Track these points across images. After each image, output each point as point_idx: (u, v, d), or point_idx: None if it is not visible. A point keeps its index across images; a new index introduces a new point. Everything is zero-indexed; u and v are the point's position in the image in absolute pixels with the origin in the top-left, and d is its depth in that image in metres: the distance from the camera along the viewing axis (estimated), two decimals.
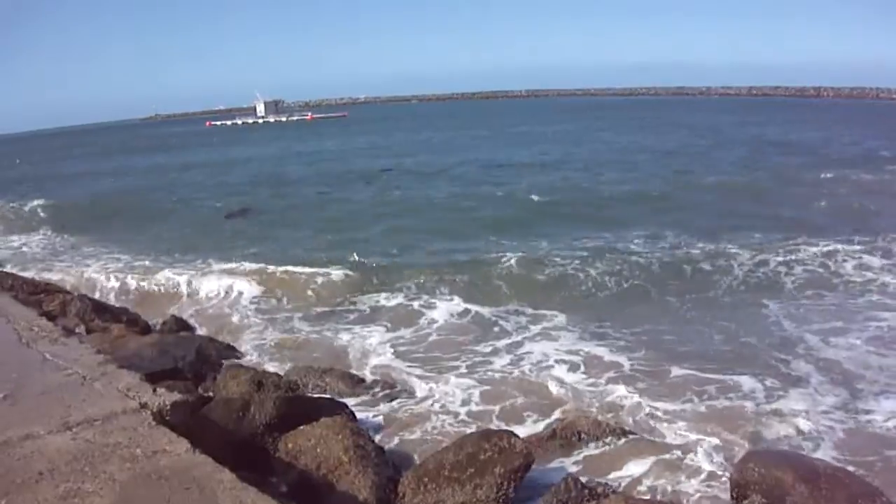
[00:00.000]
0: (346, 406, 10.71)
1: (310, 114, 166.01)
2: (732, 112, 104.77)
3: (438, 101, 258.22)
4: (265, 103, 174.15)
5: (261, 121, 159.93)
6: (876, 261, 18.83)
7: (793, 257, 19.32)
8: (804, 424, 10.51)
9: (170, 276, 19.76)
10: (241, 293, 18.46)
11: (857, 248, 19.91)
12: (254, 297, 18.22)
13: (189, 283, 19.27)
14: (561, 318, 15.68)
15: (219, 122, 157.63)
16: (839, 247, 19.89)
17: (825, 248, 19.84)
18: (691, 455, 9.84)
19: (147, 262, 22.12)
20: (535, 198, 30.93)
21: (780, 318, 15.15)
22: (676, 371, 12.66)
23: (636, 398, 11.56)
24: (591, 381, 12.48)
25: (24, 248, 26.91)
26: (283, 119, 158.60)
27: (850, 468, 8.81)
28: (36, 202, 35.47)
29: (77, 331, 13.79)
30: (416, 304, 16.98)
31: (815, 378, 12.23)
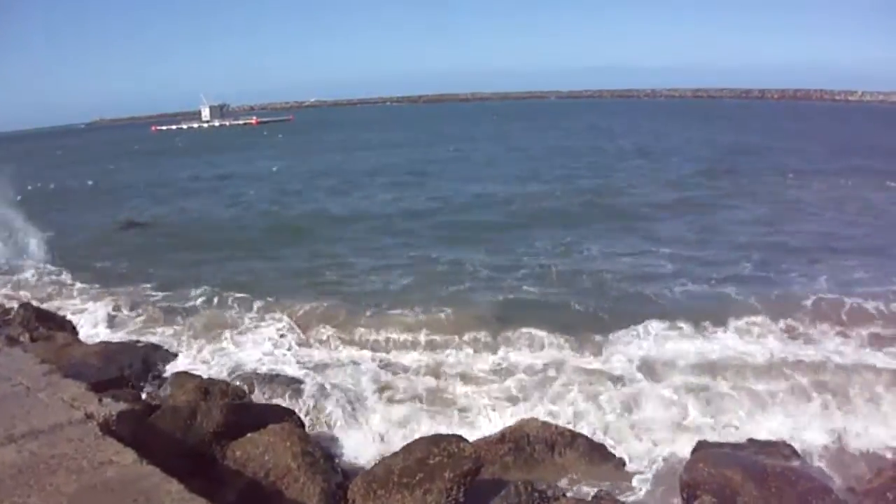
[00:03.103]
0: (294, 412, 10.70)
1: (255, 118, 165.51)
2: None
3: (383, 104, 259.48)
4: (210, 108, 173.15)
5: (206, 125, 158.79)
6: None
7: None
8: None
9: None
10: None
11: None
12: None
13: None
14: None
15: (164, 127, 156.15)
16: None
17: None
18: (639, 456, 10.00)
19: None
20: None
21: None
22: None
23: None
24: None
25: None
26: (228, 123, 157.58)
27: None
28: None
29: (21, 340, 13.61)
30: None
31: None
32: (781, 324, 14.65)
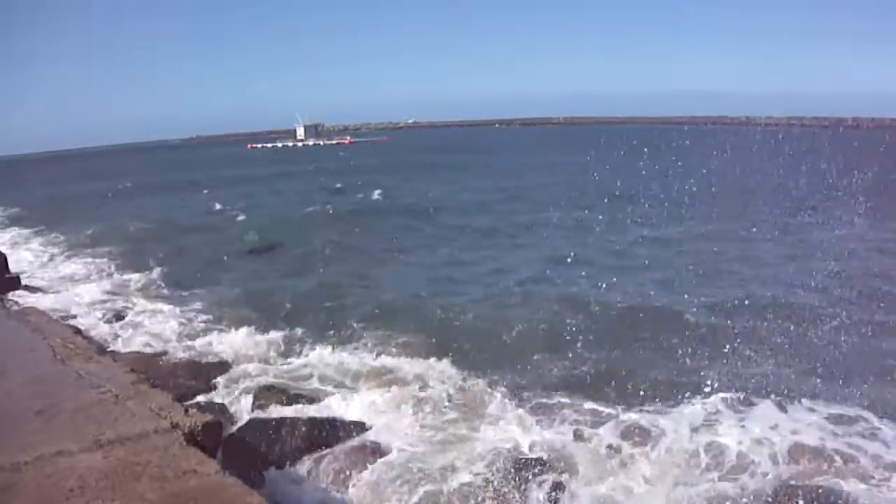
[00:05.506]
0: None
1: (349, 138, 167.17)
2: None
3: (478, 126, 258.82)
4: (305, 127, 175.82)
5: (300, 144, 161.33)
6: None
7: None
8: None
9: None
10: None
11: None
12: None
13: None
14: None
15: (260, 145, 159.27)
16: None
17: None
18: None
19: None
20: None
21: None
22: None
23: None
24: None
25: None
26: (322, 143, 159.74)
27: None
28: None
29: (112, 348, 13.89)
30: None
31: None
32: None
